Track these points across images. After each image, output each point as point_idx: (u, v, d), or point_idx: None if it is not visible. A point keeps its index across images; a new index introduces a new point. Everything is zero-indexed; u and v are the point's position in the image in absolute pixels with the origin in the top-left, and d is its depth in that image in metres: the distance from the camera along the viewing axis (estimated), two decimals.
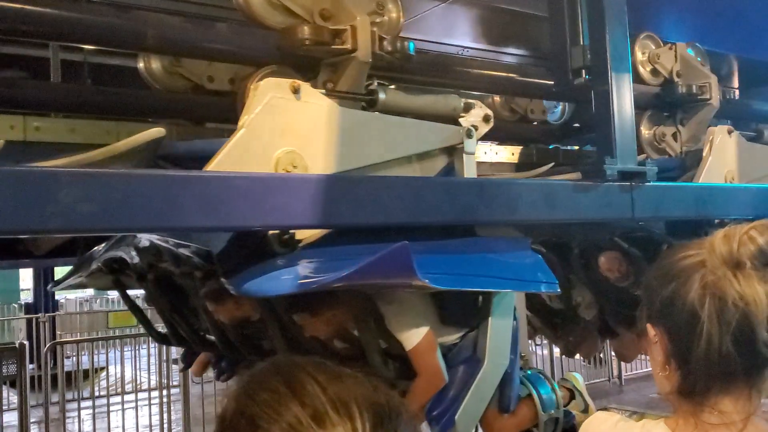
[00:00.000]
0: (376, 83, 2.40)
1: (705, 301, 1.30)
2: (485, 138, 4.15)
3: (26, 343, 8.18)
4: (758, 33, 4.11)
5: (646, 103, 3.49)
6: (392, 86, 2.55)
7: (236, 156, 1.95)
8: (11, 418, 7.46)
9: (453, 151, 2.50)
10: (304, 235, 2.32)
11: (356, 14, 2.28)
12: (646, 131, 3.52)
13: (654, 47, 3.50)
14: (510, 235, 2.60)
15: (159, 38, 2.14)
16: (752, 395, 1.33)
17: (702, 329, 1.29)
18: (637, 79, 3.39)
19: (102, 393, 9.88)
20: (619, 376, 10.82)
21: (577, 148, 4.54)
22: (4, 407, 8.31)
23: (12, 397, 8.69)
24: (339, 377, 1.06)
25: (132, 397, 9.28)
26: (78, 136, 2.62)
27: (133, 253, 3.01)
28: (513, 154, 3.99)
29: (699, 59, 3.56)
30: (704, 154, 3.27)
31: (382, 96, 2.36)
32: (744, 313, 1.27)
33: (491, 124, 2.59)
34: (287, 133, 2.05)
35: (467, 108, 2.54)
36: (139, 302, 4.63)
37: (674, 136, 3.52)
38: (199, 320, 3.49)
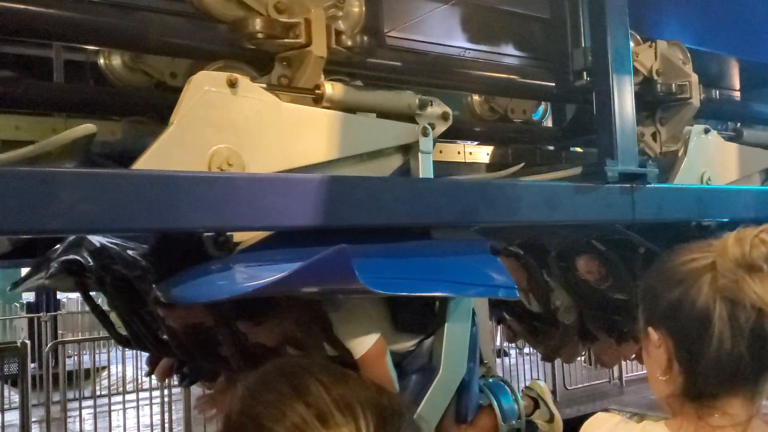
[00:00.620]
0: (322, 78, 2.30)
1: (716, 303, 1.30)
2: (465, 137, 4.19)
3: (28, 342, 8.20)
4: (759, 35, 4.11)
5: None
6: (341, 82, 2.45)
7: (165, 153, 1.87)
8: (13, 417, 7.48)
9: (409, 150, 2.42)
10: (243, 237, 2.23)
11: (311, 7, 2.22)
12: None
13: (633, 45, 3.40)
14: (468, 237, 2.50)
15: (97, 29, 2.08)
16: (755, 396, 1.34)
17: (713, 332, 1.29)
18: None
19: (103, 392, 9.88)
20: (620, 378, 10.81)
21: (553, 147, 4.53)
22: (6, 406, 8.32)
23: (13, 396, 8.70)
24: (343, 379, 1.07)
25: (133, 396, 9.29)
26: (23, 133, 2.58)
27: (87, 255, 2.89)
28: (487, 154, 3.94)
29: (681, 57, 3.46)
30: (679, 154, 3.18)
31: (328, 91, 2.24)
32: (759, 315, 1.27)
33: (449, 122, 2.50)
34: (223, 129, 1.96)
35: (423, 105, 2.42)
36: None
37: (654, 136, 3.43)
38: (158, 324, 3.35)
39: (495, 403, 2.79)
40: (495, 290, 2.46)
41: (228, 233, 2.23)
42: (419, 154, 2.38)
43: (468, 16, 3.91)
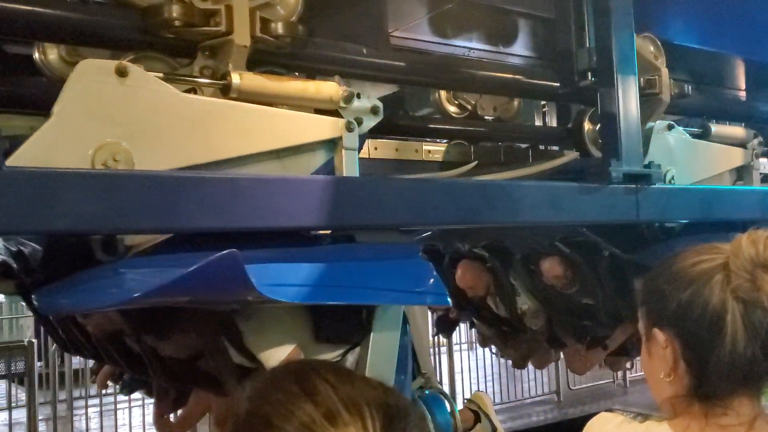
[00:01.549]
0: (231, 66, 2.14)
1: (729, 304, 1.31)
2: (432, 135, 4.06)
3: (35, 341, 8.22)
4: (765, 34, 4.10)
5: (588, 99, 3.25)
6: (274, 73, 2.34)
7: (42, 147, 1.71)
8: (20, 415, 7.51)
9: (334, 147, 2.26)
10: (136, 240, 2.05)
11: None
12: (589, 127, 3.33)
13: None
14: (398, 240, 2.35)
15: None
16: (760, 394, 1.36)
17: (726, 332, 1.30)
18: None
19: (109, 391, 9.92)
20: (624, 378, 10.79)
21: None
22: (13, 404, 8.35)
23: (20, 394, 8.74)
24: (350, 379, 1.09)
25: (139, 395, 9.31)
26: None
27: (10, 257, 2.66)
28: (448, 152, 3.87)
29: (652, 51, 3.33)
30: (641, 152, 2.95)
31: (235, 81, 2.06)
32: None
33: (380, 117, 2.32)
34: (110, 122, 1.80)
35: (348, 98, 2.25)
36: None
37: None
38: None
39: (428, 417, 2.67)
40: (422, 297, 2.34)
41: (119, 236, 2.03)
42: (342, 151, 2.22)
43: (471, 15, 3.93)
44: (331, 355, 2.42)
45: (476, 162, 3.28)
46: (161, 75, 1.99)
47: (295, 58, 2.39)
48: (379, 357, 2.34)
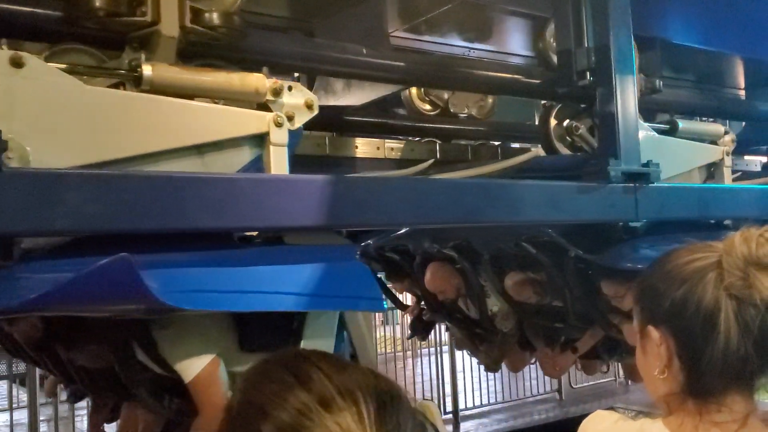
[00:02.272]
0: (143, 57, 2.03)
1: (722, 301, 1.31)
2: (400, 133, 4.02)
3: None
4: (764, 33, 4.10)
5: (555, 93, 3.22)
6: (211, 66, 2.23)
7: None
8: (21, 416, 7.53)
9: (263, 143, 2.12)
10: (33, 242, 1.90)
11: None
12: (555, 124, 3.23)
13: None
14: (334, 242, 2.25)
15: None
16: (753, 391, 1.37)
17: (719, 330, 1.31)
18: (547, 66, 3.25)
19: None
20: (626, 376, 10.79)
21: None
22: (15, 405, 8.37)
23: (22, 395, 8.75)
24: (343, 367, 1.10)
25: None
26: None
27: None
28: (411, 150, 3.83)
29: None
30: (598, 149, 2.93)
31: (147, 73, 1.93)
32: (766, 313, 1.29)
33: (315, 112, 2.20)
34: (2, 117, 1.69)
35: (276, 91, 2.12)
36: None
37: (591, 130, 3.21)
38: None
39: None
40: (355, 303, 2.22)
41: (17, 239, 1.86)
42: (270, 147, 2.09)
43: (471, 15, 3.94)
44: None
45: (432, 160, 3.18)
46: (64, 66, 1.88)
47: (235, 51, 2.29)
48: None
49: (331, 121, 3.77)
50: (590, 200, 2.57)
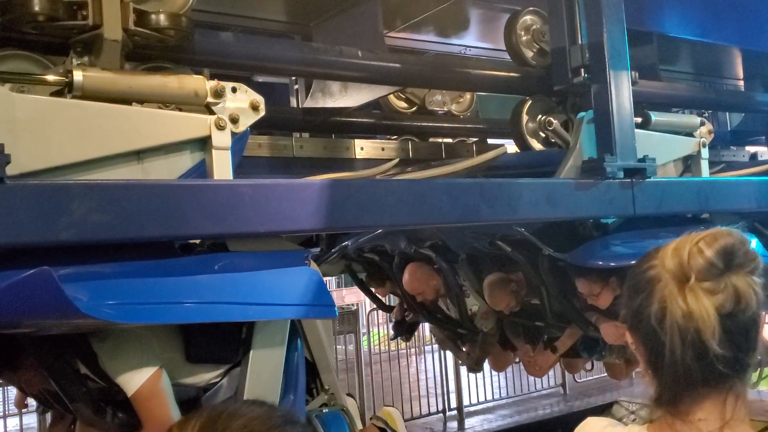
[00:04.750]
0: (75, 63, 1.99)
1: (665, 314, 1.30)
2: (374, 131, 4.08)
3: None
4: (761, 25, 4.11)
5: (528, 88, 3.24)
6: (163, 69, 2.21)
7: None
8: (31, 420, 7.55)
9: (206, 147, 2.05)
10: None
11: None
12: (529, 120, 3.17)
13: (541, 24, 3.22)
14: (281, 248, 2.16)
15: None
16: (727, 402, 1.32)
17: (664, 343, 1.30)
18: (519, 61, 3.22)
19: None
20: (608, 375, 10.78)
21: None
22: (24, 410, 8.40)
23: (31, 399, 8.76)
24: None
25: None
26: None
27: None
28: (382, 149, 3.82)
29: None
30: (571, 143, 2.87)
31: (78, 78, 1.86)
32: (695, 328, 1.27)
33: (261, 113, 2.12)
34: None
35: (217, 93, 2.04)
36: None
37: (565, 124, 3.17)
38: None
39: None
40: (305, 310, 2.13)
41: None
42: (213, 151, 2.02)
43: (467, 13, 3.96)
44: (207, 376, 2.28)
45: (397, 159, 3.15)
46: None
47: (184, 52, 2.26)
48: (260, 377, 2.17)
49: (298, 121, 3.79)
50: (587, 197, 2.59)
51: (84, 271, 1.78)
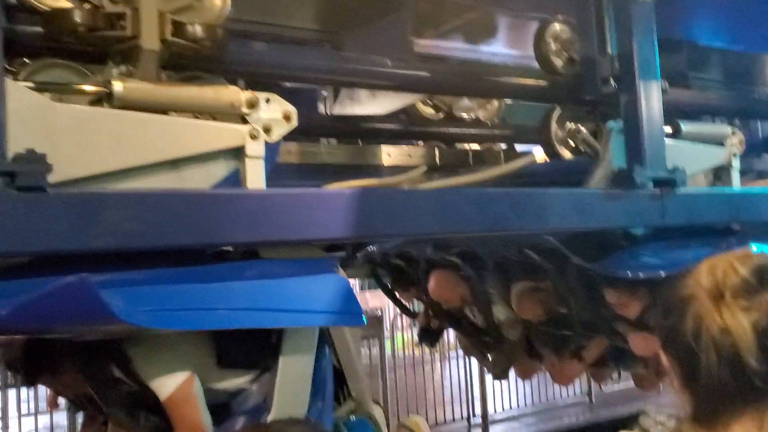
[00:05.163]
0: (115, 73, 2.05)
1: (701, 331, 1.31)
2: (401, 138, 4.10)
3: None
4: None
5: (557, 96, 3.24)
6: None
7: None
8: (60, 418, 7.66)
9: (240, 156, 2.09)
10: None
11: None
12: (557, 128, 3.17)
13: (570, 33, 3.19)
14: (311, 255, 2.17)
15: None
16: (765, 419, 1.32)
17: (700, 360, 1.31)
18: (548, 69, 3.20)
19: None
20: (636, 385, 10.64)
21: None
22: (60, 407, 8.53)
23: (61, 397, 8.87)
24: None
25: None
26: None
27: None
28: (409, 155, 3.83)
29: None
30: (600, 154, 2.86)
31: (117, 89, 1.91)
32: (732, 344, 1.28)
33: (293, 124, 2.16)
34: None
35: (251, 104, 2.09)
36: None
37: (594, 133, 3.16)
38: None
39: None
40: (334, 318, 2.16)
41: None
42: (246, 160, 2.07)
43: (498, 22, 3.97)
44: (237, 381, 2.31)
45: (425, 167, 3.17)
46: (31, 84, 1.91)
47: (219, 62, 2.31)
48: (289, 383, 2.20)
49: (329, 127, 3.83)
50: (617, 207, 2.59)
51: (119, 277, 1.83)
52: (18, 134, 1.71)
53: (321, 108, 4.40)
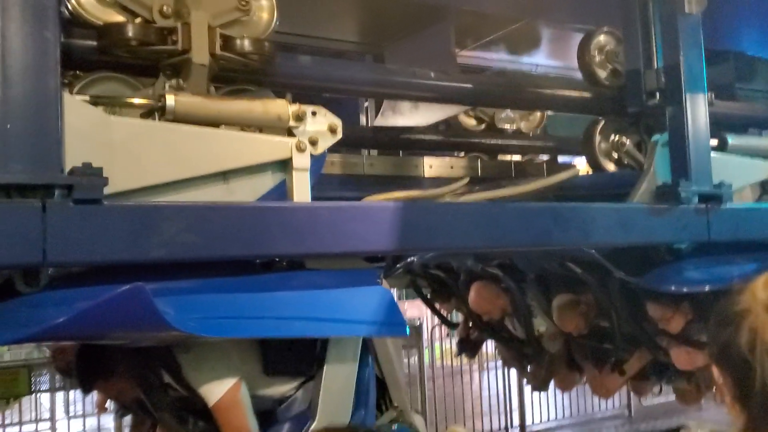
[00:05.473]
0: (167, 87, 2.10)
1: (756, 344, 1.33)
2: (442, 149, 4.12)
3: None
4: None
5: (601, 108, 3.23)
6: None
7: None
8: (107, 420, 7.83)
9: (286, 168, 2.13)
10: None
11: (192, 10, 2.06)
12: (601, 140, 3.15)
13: (615, 45, 3.19)
14: (356, 266, 2.19)
15: None
16: None
17: (755, 374, 1.32)
18: (592, 80, 3.19)
19: None
20: (678, 400, 10.43)
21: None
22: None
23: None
24: None
25: None
26: None
27: None
28: (451, 167, 3.82)
29: None
30: (645, 167, 2.83)
31: (170, 103, 1.97)
32: None
33: (339, 136, 2.21)
34: None
35: (299, 117, 2.13)
36: None
37: (638, 146, 3.14)
38: None
39: None
40: (377, 328, 2.17)
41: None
42: (293, 172, 2.10)
43: (541, 33, 3.97)
44: (283, 388, 2.35)
45: (467, 179, 3.14)
46: (87, 98, 1.96)
47: (266, 75, 2.34)
48: (333, 391, 2.23)
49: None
50: (662, 222, 2.56)
51: (171, 286, 1.88)
52: (74, 147, 1.76)
53: (362, 119, 4.46)
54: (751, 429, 1.37)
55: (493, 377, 9.47)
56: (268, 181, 2.12)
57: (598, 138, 3.18)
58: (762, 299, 1.34)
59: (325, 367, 2.24)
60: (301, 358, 2.30)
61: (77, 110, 1.80)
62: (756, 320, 1.33)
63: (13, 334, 1.74)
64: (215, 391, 2.20)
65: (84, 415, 7.93)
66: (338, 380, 2.26)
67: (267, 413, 2.35)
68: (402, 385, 2.74)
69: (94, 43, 2.06)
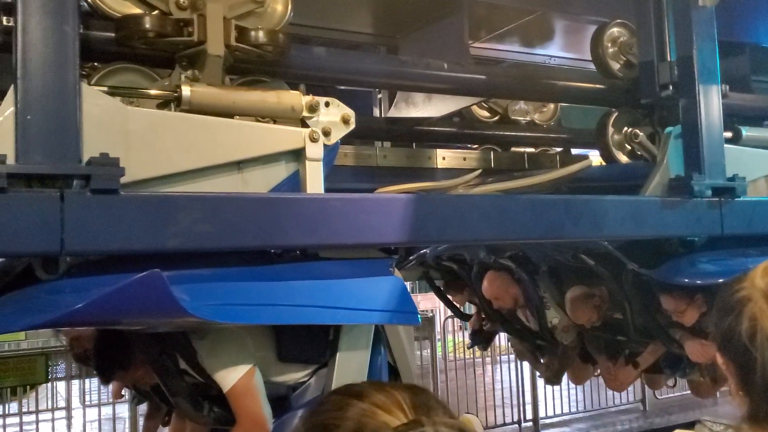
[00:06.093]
0: (183, 77, 2.12)
1: (756, 331, 1.33)
2: (456, 141, 4.11)
3: None
4: None
5: (614, 100, 3.24)
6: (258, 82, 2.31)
7: None
8: (122, 409, 7.91)
9: (300, 158, 2.16)
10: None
11: (209, 2, 2.09)
12: (614, 132, 3.16)
13: (628, 37, 3.19)
14: (369, 256, 2.23)
15: None
16: None
17: (756, 358, 1.33)
18: (606, 72, 3.19)
19: None
20: (691, 392, 10.39)
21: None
22: (122, 399, 8.79)
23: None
24: (383, 386, 1.21)
25: None
26: None
27: None
28: (464, 159, 3.82)
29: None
30: (658, 159, 2.84)
31: (186, 93, 2.00)
32: None
33: (352, 126, 2.23)
34: None
35: (312, 108, 2.16)
36: None
37: (651, 137, 3.13)
38: None
39: None
40: (388, 316, 2.21)
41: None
42: (306, 162, 2.12)
43: (555, 25, 3.95)
44: (296, 375, 2.38)
45: (480, 170, 3.16)
46: (104, 88, 1.99)
47: (281, 66, 2.36)
48: (346, 378, 2.25)
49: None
50: (674, 216, 2.56)
51: (187, 274, 1.92)
52: (92, 137, 1.79)
53: (376, 111, 4.47)
54: (753, 416, 1.38)
55: (506, 370, 9.49)
56: (281, 172, 2.15)
57: (611, 129, 3.19)
58: (761, 287, 1.35)
59: (338, 355, 2.27)
60: (314, 345, 2.33)
61: (95, 101, 1.85)
62: (755, 308, 1.35)
63: (33, 319, 1.78)
64: (230, 377, 2.23)
65: (100, 404, 8.02)
66: (351, 367, 2.28)
67: (281, 399, 2.38)
68: (414, 373, 2.75)
69: (112, 34, 2.09)
